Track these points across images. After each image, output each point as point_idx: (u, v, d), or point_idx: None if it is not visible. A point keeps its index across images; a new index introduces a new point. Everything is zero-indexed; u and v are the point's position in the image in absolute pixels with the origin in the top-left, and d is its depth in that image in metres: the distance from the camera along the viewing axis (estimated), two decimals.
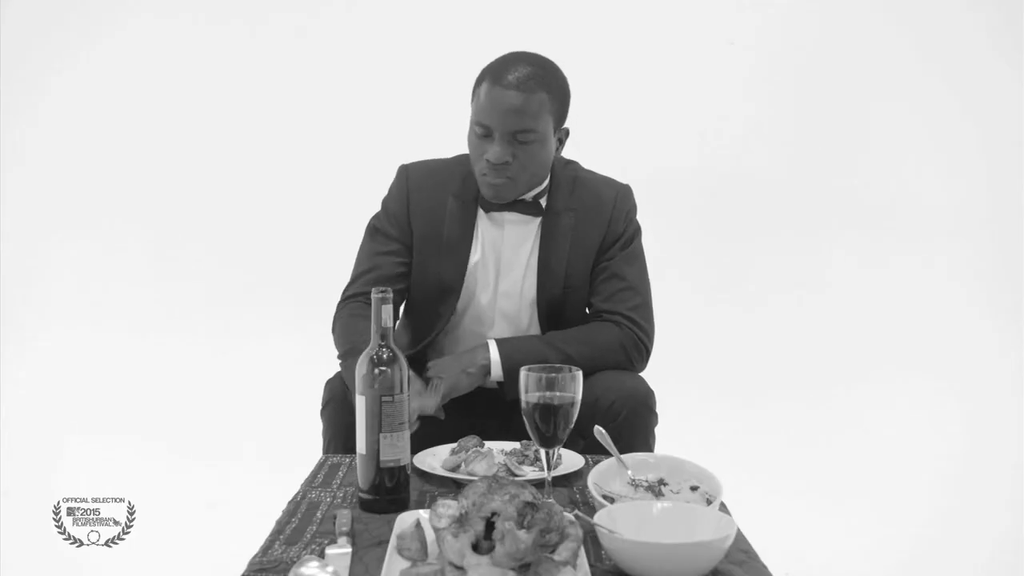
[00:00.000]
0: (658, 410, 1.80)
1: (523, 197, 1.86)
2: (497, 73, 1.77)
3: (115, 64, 3.53)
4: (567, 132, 1.88)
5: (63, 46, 3.51)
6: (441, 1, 3.51)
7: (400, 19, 3.50)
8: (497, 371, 1.79)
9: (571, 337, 1.84)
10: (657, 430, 1.82)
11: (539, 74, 1.77)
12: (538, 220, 1.88)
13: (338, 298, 1.95)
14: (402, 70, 3.47)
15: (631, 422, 1.71)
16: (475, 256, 1.89)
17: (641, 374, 1.86)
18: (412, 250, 1.91)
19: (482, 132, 1.78)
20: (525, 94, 1.74)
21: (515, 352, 1.79)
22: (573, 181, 1.92)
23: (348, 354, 1.76)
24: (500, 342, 1.82)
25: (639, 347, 1.86)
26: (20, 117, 3.50)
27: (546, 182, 1.89)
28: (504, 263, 1.89)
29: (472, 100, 1.84)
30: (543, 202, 1.88)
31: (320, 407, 1.83)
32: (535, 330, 1.92)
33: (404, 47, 3.50)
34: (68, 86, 3.54)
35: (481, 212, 1.89)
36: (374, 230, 1.94)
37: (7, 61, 3.44)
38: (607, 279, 1.88)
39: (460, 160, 1.93)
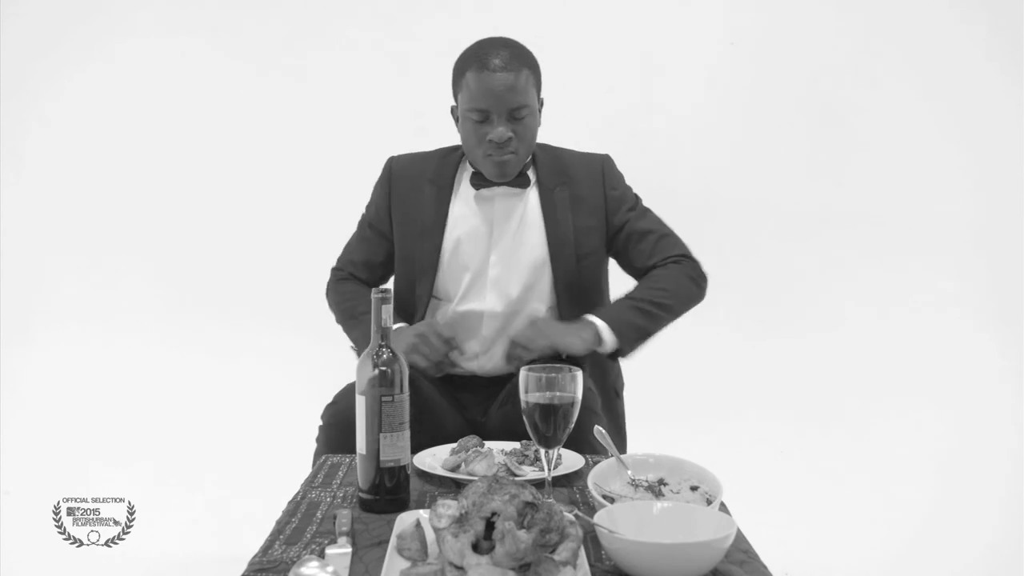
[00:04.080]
0: (634, 411, 1.84)
1: None
2: (480, 60, 1.84)
3: (117, 73, 3.55)
4: (542, 101, 1.95)
5: (67, 54, 3.53)
6: (430, 6, 3.54)
7: (386, 26, 3.52)
8: (609, 337, 1.81)
9: (649, 290, 1.88)
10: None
11: (518, 52, 1.87)
12: (525, 191, 1.92)
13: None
14: (391, 80, 3.49)
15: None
16: (452, 237, 1.92)
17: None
18: (393, 237, 1.98)
19: (480, 117, 1.84)
20: (514, 73, 1.82)
21: (621, 320, 1.83)
22: (555, 157, 1.99)
23: (346, 315, 1.93)
24: (601, 315, 1.83)
25: (701, 274, 1.95)
26: (23, 125, 3.51)
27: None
28: (495, 234, 1.92)
29: (458, 91, 1.89)
30: (530, 175, 1.94)
31: (317, 430, 1.81)
32: (524, 301, 1.91)
33: (389, 59, 3.52)
34: (71, 95, 3.55)
35: (459, 194, 1.95)
36: (362, 219, 2.04)
37: (9, 69, 3.46)
38: (638, 239, 1.95)
39: (442, 151, 2.01)
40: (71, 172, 3.56)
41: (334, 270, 2.05)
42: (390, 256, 2.00)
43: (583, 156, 2.01)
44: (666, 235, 1.97)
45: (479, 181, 1.91)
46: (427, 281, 1.92)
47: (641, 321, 1.84)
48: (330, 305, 2.02)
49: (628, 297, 1.89)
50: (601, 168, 1.98)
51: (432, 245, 1.92)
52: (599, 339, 1.80)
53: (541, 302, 1.92)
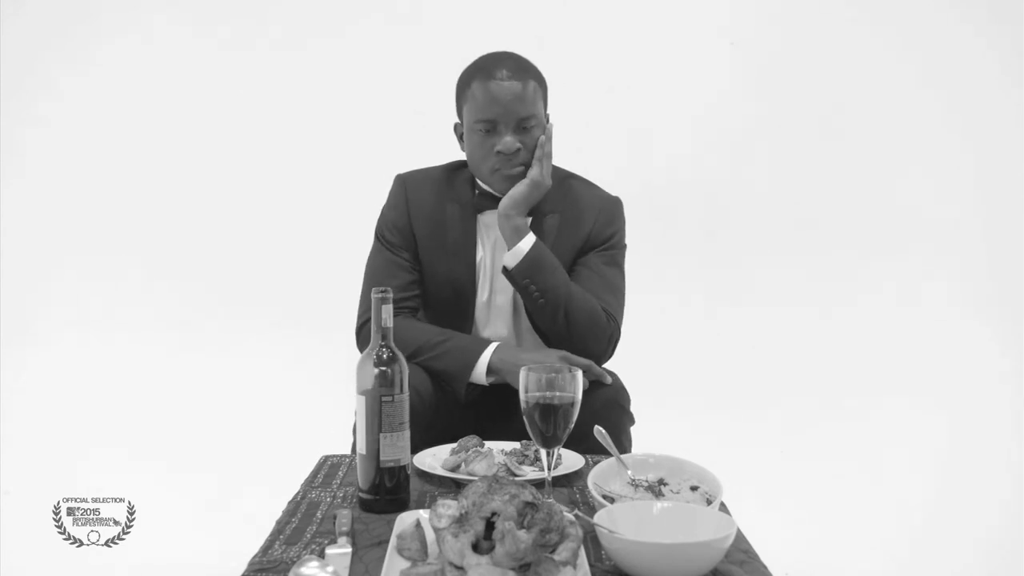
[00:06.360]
0: (634, 410, 1.80)
1: None
2: (486, 71, 1.81)
3: (117, 73, 3.55)
4: (549, 117, 1.91)
5: (69, 52, 3.53)
6: (431, 7, 3.53)
7: (391, 30, 3.53)
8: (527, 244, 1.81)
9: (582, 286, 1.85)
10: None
11: (524, 65, 1.84)
12: (528, 219, 1.87)
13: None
14: (392, 88, 3.49)
15: (602, 421, 1.64)
16: (479, 257, 1.91)
17: (617, 375, 1.85)
18: (418, 256, 1.92)
19: (487, 128, 1.81)
20: (521, 82, 1.80)
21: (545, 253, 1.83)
22: (565, 184, 1.95)
23: (421, 351, 1.80)
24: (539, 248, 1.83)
25: (612, 335, 1.87)
26: (23, 125, 3.51)
27: None
28: (498, 261, 1.90)
29: (463, 104, 1.86)
30: None
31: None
32: (523, 326, 1.93)
33: (392, 66, 3.52)
34: (71, 95, 3.55)
35: (479, 215, 1.91)
36: (382, 242, 1.95)
37: (8, 69, 3.46)
38: (583, 273, 1.89)
39: (452, 167, 1.97)
40: (72, 171, 3.55)
41: (365, 312, 1.87)
42: (421, 275, 1.93)
43: (594, 192, 1.97)
44: (613, 290, 1.89)
45: (482, 203, 1.89)
46: (469, 296, 1.91)
47: (549, 268, 1.81)
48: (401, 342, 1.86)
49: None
50: (600, 207, 1.94)
51: (468, 262, 1.90)
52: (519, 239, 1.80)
53: (525, 325, 1.91)
